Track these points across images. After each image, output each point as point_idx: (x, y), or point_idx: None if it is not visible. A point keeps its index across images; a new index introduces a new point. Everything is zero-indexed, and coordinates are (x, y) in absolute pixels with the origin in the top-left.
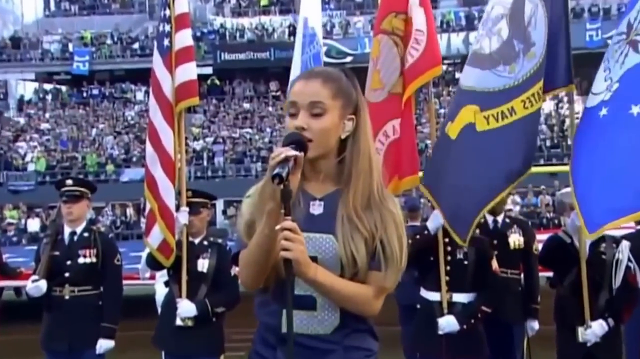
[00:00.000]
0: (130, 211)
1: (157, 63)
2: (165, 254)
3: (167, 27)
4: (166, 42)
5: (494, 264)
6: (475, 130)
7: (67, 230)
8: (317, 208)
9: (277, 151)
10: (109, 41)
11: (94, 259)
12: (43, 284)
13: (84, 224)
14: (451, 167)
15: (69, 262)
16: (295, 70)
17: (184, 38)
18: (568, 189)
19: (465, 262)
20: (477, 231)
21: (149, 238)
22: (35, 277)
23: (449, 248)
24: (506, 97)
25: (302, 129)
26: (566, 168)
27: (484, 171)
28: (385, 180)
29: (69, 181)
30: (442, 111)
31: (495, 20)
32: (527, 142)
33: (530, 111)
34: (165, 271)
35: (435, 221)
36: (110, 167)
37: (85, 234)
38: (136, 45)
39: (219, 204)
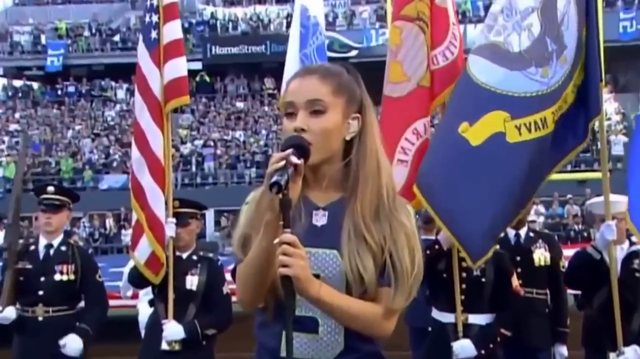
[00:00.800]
0: (109, 222)
1: (143, 58)
2: (153, 269)
3: (155, 18)
4: (153, 34)
5: (515, 281)
6: (505, 141)
7: (42, 242)
8: (320, 219)
9: (275, 156)
10: (86, 33)
11: (72, 277)
12: (10, 314)
13: (61, 237)
14: (469, 176)
15: (43, 279)
16: (291, 67)
17: (173, 30)
18: (599, 199)
19: (483, 280)
20: (497, 245)
21: (135, 252)
22: None
23: (464, 264)
24: (538, 105)
25: (302, 130)
26: (597, 175)
27: (511, 187)
28: (409, 188)
29: (50, 188)
30: None
31: (524, 13)
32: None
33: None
34: (149, 289)
35: None
36: (87, 174)
37: (63, 248)
38: (117, 38)
39: (209, 215)
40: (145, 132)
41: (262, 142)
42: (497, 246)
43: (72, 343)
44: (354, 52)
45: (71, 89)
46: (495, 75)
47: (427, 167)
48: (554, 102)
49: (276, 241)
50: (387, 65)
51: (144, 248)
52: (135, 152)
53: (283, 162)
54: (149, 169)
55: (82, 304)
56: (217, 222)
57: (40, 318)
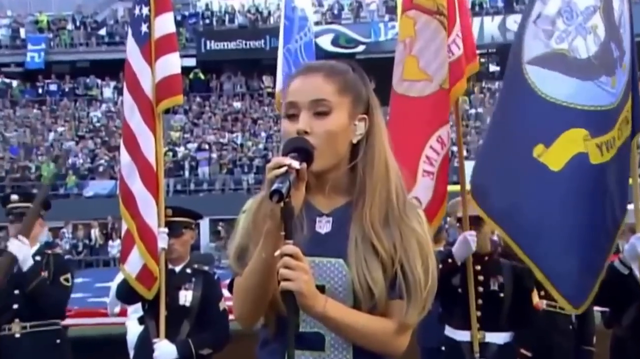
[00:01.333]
0: (95, 232)
1: (133, 53)
2: (146, 284)
3: (145, 10)
4: (144, 28)
5: (535, 296)
6: (589, 163)
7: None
8: (324, 226)
9: (275, 161)
10: (69, 26)
11: (41, 275)
12: None
13: (36, 247)
14: (555, 208)
15: (17, 292)
16: (281, 66)
17: (165, 24)
18: (628, 207)
19: (501, 295)
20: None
21: (126, 265)
22: None
23: (480, 277)
24: (612, 119)
25: (305, 133)
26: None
27: (602, 214)
28: (436, 202)
29: (14, 196)
30: (472, 111)
31: (586, 14)
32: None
33: (622, 141)
34: (138, 306)
35: (464, 247)
36: (71, 180)
37: (38, 258)
38: (103, 32)
39: (204, 224)
40: (135, 135)
41: (261, 146)
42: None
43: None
44: (361, 48)
45: (53, 87)
46: (566, 88)
47: (506, 202)
48: (619, 115)
49: (277, 253)
50: (398, 59)
51: (135, 261)
52: (125, 156)
53: (284, 168)
54: (140, 174)
55: (65, 320)
56: (213, 233)
57: (17, 335)
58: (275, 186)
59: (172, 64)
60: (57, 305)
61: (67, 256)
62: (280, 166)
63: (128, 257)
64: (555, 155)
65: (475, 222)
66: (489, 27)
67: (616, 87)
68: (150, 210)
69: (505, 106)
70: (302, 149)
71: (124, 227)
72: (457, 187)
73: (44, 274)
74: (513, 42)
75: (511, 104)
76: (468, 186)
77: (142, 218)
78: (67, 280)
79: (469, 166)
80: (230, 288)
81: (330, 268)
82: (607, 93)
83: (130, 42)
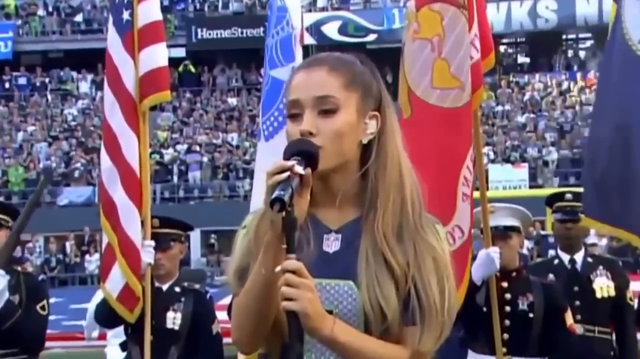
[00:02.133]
0: (70, 245)
1: (114, 44)
2: (128, 305)
3: None
4: (126, 15)
5: (569, 318)
6: None
7: None
8: (332, 244)
9: (276, 165)
10: (40, 12)
11: (17, 311)
12: None
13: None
14: None
15: None
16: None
17: (150, 10)
18: None
19: (531, 316)
20: (551, 275)
21: (106, 284)
22: None
23: (507, 295)
24: None
25: (310, 134)
26: None
27: None
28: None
29: None
30: (499, 108)
31: None
32: None
33: None
34: (120, 329)
35: (485, 267)
36: None
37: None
38: (79, 18)
39: (195, 236)
40: (117, 136)
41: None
42: (551, 275)
43: None
44: (371, 37)
45: (22, 80)
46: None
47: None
48: None
49: (278, 269)
50: (424, 61)
51: (117, 279)
52: (105, 160)
53: (286, 173)
54: (121, 180)
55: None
56: (205, 246)
57: None
58: (276, 194)
59: (158, 55)
60: (34, 340)
61: (39, 276)
62: (282, 171)
63: (109, 274)
64: None
65: (501, 234)
66: (518, 13)
67: None
68: (132, 221)
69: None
70: (306, 152)
71: (105, 240)
72: (476, 194)
73: (16, 297)
74: (610, 26)
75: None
76: (490, 193)
77: (124, 230)
78: (43, 308)
79: (494, 169)
80: (229, 311)
81: (339, 291)
82: None
83: (111, 31)
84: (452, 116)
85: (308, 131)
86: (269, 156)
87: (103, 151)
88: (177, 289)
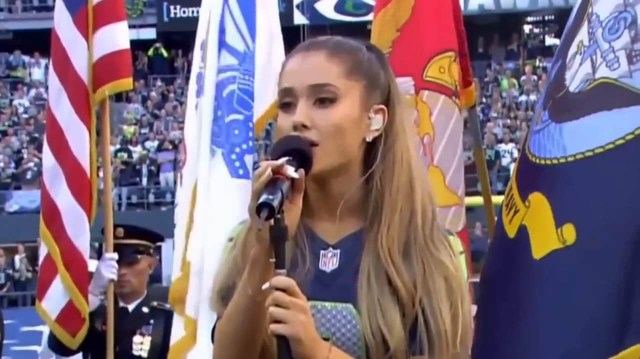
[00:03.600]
0: (20, 259)
1: (62, 21)
2: (70, 327)
3: None
4: None
5: None
6: None
7: None
8: (330, 261)
9: (263, 166)
10: None
11: None
12: None
13: None
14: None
15: None
16: None
17: None
18: None
19: None
20: None
21: (43, 302)
22: None
23: None
24: None
25: (304, 126)
26: None
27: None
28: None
29: None
30: (522, 98)
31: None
32: None
33: None
34: (79, 357)
35: None
36: None
37: None
38: None
39: (167, 248)
40: (63, 130)
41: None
42: None
43: None
44: (372, 15)
45: None
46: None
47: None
48: None
49: (265, 286)
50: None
51: (57, 296)
52: (48, 157)
53: (268, 174)
54: (67, 182)
55: None
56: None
57: None
58: (263, 198)
59: (117, 36)
60: None
61: None
62: (271, 172)
63: (47, 291)
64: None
65: None
66: None
67: None
68: (80, 227)
69: None
70: (298, 151)
71: (43, 251)
72: (479, 200)
73: None
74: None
75: None
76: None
77: (69, 239)
78: None
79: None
80: (212, 335)
81: (337, 315)
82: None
83: (59, 5)
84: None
85: (301, 123)
86: None
87: (46, 147)
88: (145, 309)
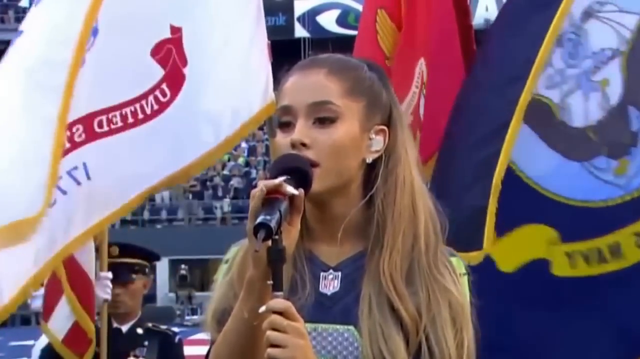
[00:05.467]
0: None
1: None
2: (77, 348)
3: None
4: None
5: None
6: (549, 272)
7: None
8: (330, 283)
9: (261, 185)
10: None
11: None
12: None
13: None
14: (497, 314)
15: None
16: None
17: None
18: None
19: None
20: None
21: (50, 323)
22: None
23: None
24: (609, 222)
25: (303, 145)
26: None
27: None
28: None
29: None
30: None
31: (598, 59)
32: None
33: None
34: None
35: None
36: None
37: None
38: None
39: (163, 267)
40: None
41: (241, 160)
42: None
43: None
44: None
45: None
46: (542, 164)
47: None
48: (638, 218)
49: (262, 309)
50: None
51: (63, 317)
52: None
53: (272, 196)
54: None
55: None
56: (175, 278)
57: None
58: (260, 219)
59: None
60: None
61: None
62: (268, 192)
63: (53, 312)
64: (508, 251)
65: None
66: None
67: (629, 174)
68: (85, 248)
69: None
70: (296, 170)
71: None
72: None
73: None
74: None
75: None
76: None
77: (74, 259)
78: None
79: None
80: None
81: (338, 338)
82: (605, 184)
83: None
84: None
85: (300, 141)
86: None
87: None
88: (140, 330)
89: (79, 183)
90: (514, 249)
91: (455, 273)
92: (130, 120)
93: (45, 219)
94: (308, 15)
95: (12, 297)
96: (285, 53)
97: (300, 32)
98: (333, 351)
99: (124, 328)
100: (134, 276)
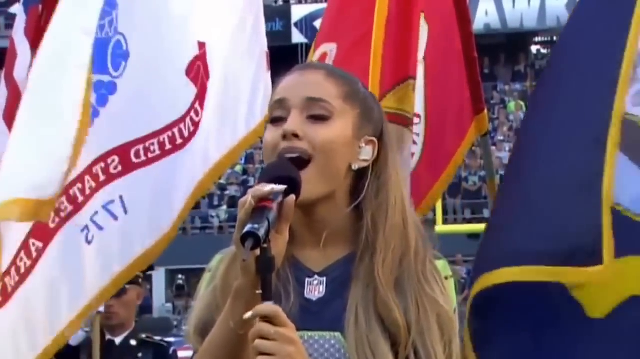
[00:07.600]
0: None
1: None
2: None
3: None
4: None
5: None
6: None
7: None
8: (316, 289)
9: (251, 193)
10: None
11: None
12: None
13: None
14: None
15: None
16: None
17: None
18: None
19: None
20: None
21: None
22: None
23: None
24: None
25: (294, 136)
26: None
27: None
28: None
29: None
30: None
31: None
32: None
33: None
34: None
35: None
36: None
37: None
38: None
39: (158, 277)
40: None
41: (238, 168)
42: None
43: None
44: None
45: None
46: (634, 188)
47: None
48: None
49: (248, 314)
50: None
51: None
52: None
53: (260, 204)
54: None
55: None
56: (171, 288)
57: None
58: (248, 228)
59: None
60: None
61: None
62: (258, 199)
63: None
64: (601, 292)
65: None
66: (554, 5)
67: None
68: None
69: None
70: (286, 179)
71: None
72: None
73: None
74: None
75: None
76: None
77: None
78: None
79: None
80: None
81: (324, 345)
82: None
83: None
84: None
85: (292, 132)
86: None
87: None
88: (134, 342)
89: (116, 218)
90: (612, 285)
91: (444, 284)
92: (168, 146)
93: (79, 259)
94: (306, 21)
95: (47, 346)
96: (282, 59)
97: (297, 37)
98: (320, 357)
99: (118, 340)
100: (127, 286)
